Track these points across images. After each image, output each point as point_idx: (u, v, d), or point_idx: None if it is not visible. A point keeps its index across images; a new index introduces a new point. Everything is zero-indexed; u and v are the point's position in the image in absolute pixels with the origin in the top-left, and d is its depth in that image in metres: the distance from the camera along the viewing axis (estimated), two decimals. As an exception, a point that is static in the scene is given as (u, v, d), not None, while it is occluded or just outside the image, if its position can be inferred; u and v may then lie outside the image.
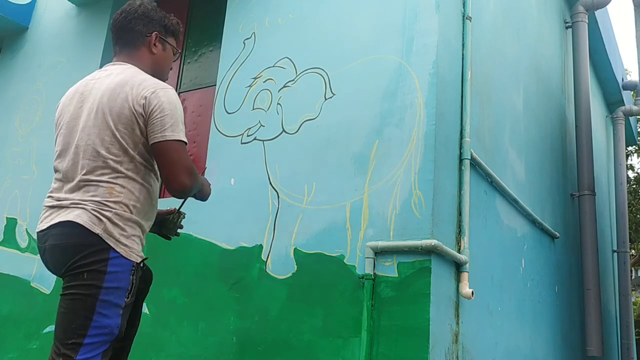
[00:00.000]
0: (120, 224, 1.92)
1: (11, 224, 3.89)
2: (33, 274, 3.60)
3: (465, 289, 2.60)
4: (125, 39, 2.13)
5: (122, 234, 1.92)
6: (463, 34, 3.01)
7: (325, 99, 2.91)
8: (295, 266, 2.72)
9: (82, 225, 1.87)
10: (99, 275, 1.85)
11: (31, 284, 3.57)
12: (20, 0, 4.54)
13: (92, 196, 1.93)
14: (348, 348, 2.47)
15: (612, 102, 7.49)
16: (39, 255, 2.01)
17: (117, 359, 2.28)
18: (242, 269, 2.86)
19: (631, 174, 13.67)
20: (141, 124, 1.94)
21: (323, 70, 2.98)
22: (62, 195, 1.98)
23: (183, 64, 3.91)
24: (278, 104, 3.06)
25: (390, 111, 2.70)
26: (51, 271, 2.00)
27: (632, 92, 8.27)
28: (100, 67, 3.98)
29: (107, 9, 4.17)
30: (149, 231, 2.19)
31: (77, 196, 1.94)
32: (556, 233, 4.36)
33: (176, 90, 3.84)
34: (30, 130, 4.14)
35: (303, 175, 2.83)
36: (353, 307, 2.51)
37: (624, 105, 7.40)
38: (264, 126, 3.07)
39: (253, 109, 3.15)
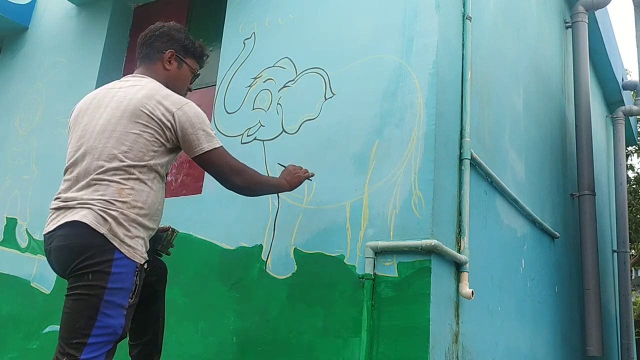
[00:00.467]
0: (125, 224, 1.95)
1: (11, 224, 3.90)
2: (33, 274, 3.60)
3: (465, 289, 2.60)
4: (145, 53, 2.27)
5: (126, 234, 1.94)
6: (463, 34, 3.01)
7: (325, 99, 2.91)
8: (295, 266, 2.72)
9: (87, 225, 1.90)
10: (103, 276, 1.88)
11: (31, 284, 3.57)
12: (20, 0, 4.54)
13: (101, 195, 1.96)
14: (348, 348, 2.47)
15: (612, 102, 7.49)
16: (39, 255, 2.03)
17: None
18: (242, 269, 2.86)
19: (631, 174, 13.67)
20: (165, 138, 2.06)
21: (323, 70, 2.98)
22: (70, 195, 2.00)
23: (183, 64, 3.90)
24: (278, 104, 3.06)
25: (390, 111, 2.71)
26: (57, 272, 2.03)
27: (632, 92, 8.26)
28: (100, 67, 4.00)
29: (107, 9, 4.17)
30: None
31: (85, 195, 1.97)
32: (556, 233, 4.36)
33: (176, 90, 3.85)
34: (30, 130, 4.14)
35: (303, 175, 2.83)
36: (353, 307, 2.51)
37: (624, 105, 7.40)
38: (264, 126, 3.07)
39: (253, 109, 3.15)
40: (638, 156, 13.98)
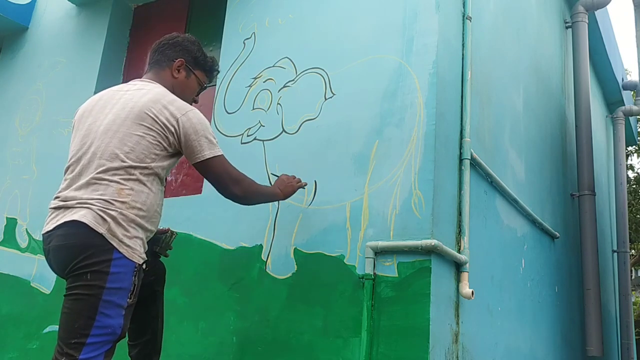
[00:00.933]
0: (124, 224, 1.95)
1: (11, 224, 3.90)
2: (33, 274, 3.60)
3: (465, 289, 2.60)
4: (155, 60, 2.30)
5: (125, 234, 1.95)
6: (463, 34, 3.01)
7: (325, 99, 2.91)
8: (295, 266, 2.72)
9: (86, 224, 1.91)
10: (101, 276, 1.88)
11: (31, 284, 3.57)
12: (20, 0, 4.54)
13: (101, 195, 1.97)
14: (348, 348, 2.47)
15: (612, 102, 7.49)
16: (39, 255, 2.03)
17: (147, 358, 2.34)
18: (242, 269, 2.86)
19: (631, 174, 13.67)
20: (167, 141, 2.08)
21: (323, 70, 2.98)
22: (69, 193, 2.01)
23: (183, 64, 3.90)
24: (278, 104, 3.06)
25: (390, 111, 2.70)
26: (55, 272, 2.03)
27: (632, 92, 8.26)
28: (100, 67, 4.00)
29: (107, 9, 4.17)
30: None
31: (85, 195, 1.98)
32: (556, 233, 4.36)
33: (176, 90, 3.85)
34: (30, 130, 4.14)
35: (303, 175, 2.83)
36: (353, 307, 2.51)
37: (624, 105, 7.40)
38: (264, 126, 3.07)
39: (253, 109, 3.15)
40: (638, 156, 13.98)
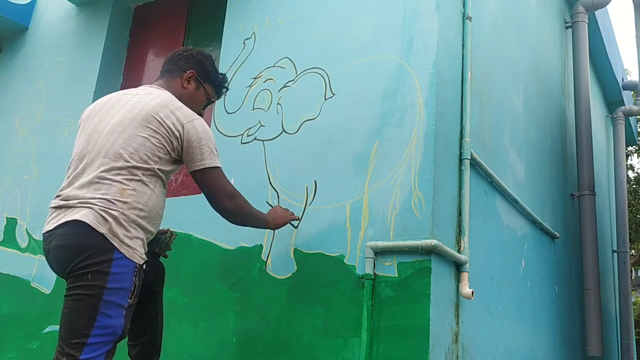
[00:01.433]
0: (125, 224, 1.96)
1: (11, 224, 3.90)
2: (33, 274, 3.60)
3: (465, 289, 2.60)
4: (168, 68, 2.35)
5: (126, 235, 1.96)
6: (463, 34, 3.01)
7: (325, 99, 2.91)
8: (295, 266, 2.72)
9: (87, 224, 1.91)
10: (102, 276, 1.89)
11: (31, 284, 3.57)
12: (20, 0, 4.54)
13: (103, 194, 1.97)
14: (348, 348, 2.47)
15: (612, 102, 7.49)
16: (39, 255, 2.03)
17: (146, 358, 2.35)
18: (242, 269, 2.86)
19: (631, 174, 13.67)
20: (171, 146, 2.10)
21: (323, 70, 2.98)
22: (71, 192, 2.01)
23: (183, 64, 3.90)
24: (278, 104, 3.06)
25: (390, 111, 2.70)
26: (55, 272, 2.03)
27: (632, 92, 8.26)
28: (100, 67, 4.00)
29: (107, 9, 4.17)
30: None
31: (87, 194, 1.98)
32: (556, 233, 4.36)
33: (176, 90, 3.85)
34: (30, 130, 4.14)
35: (303, 175, 2.83)
36: (353, 307, 2.51)
37: (624, 105, 7.40)
38: (264, 126, 3.07)
39: (253, 109, 3.15)
40: (638, 156, 13.99)
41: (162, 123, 2.08)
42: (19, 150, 4.12)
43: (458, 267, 2.66)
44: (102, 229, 1.91)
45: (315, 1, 3.16)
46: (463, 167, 2.80)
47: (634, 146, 11.56)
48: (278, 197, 2.87)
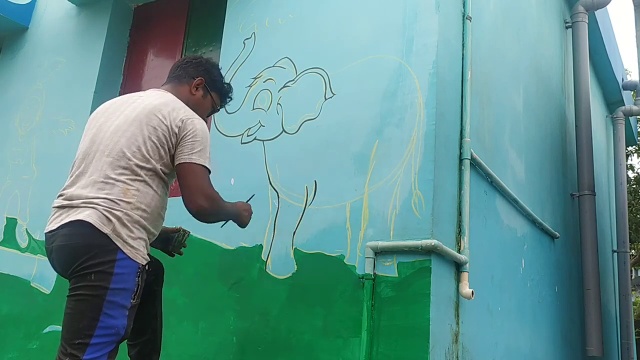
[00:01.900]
0: (128, 225, 1.97)
1: (11, 224, 3.90)
2: (33, 274, 3.59)
3: (465, 289, 2.60)
4: (176, 75, 2.36)
5: (129, 235, 1.96)
6: (463, 34, 3.01)
7: (325, 99, 2.91)
8: (295, 266, 2.72)
9: (91, 224, 1.91)
10: (106, 277, 1.89)
11: (31, 284, 3.57)
12: (20, 0, 4.54)
13: (107, 194, 1.97)
14: (348, 348, 2.47)
15: (612, 102, 7.49)
16: (39, 255, 2.03)
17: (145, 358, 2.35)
18: (242, 269, 2.86)
19: (631, 174, 13.67)
20: (171, 143, 2.09)
21: (323, 70, 2.98)
22: (75, 192, 2.01)
23: (183, 64, 3.91)
24: (278, 104, 3.06)
25: (390, 111, 2.70)
26: (58, 272, 2.03)
27: (632, 92, 8.26)
28: (100, 67, 4.00)
29: (107, 9, 4.17)
30: (154, 246, 2.33)
31: (90, 193, 1.98)
32: (556, 233, 4.36)
33: (176, 90, 3.85)
34: (30, 130, 4.14)
35: (303, 175, 2.83)
36: (353, 307, 2.51)
37: (624, 105, 7.40)
38: (264, 126, 3.07)
39: (253, 109, 3.15)
40: (638, 156, 13.98)
41: (163, 120, 2.08)
42: (19, 150, 4.12)
43: (458, 267, 2.65)
44: (106, 230, 1.91)
45: (315, 1, 3.16)
46: (463, 167, 2.80)
47: (634, 146, 11.57)
48: (278, 197, 2.87)
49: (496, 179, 3.20)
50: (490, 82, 3.37)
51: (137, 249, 1.98)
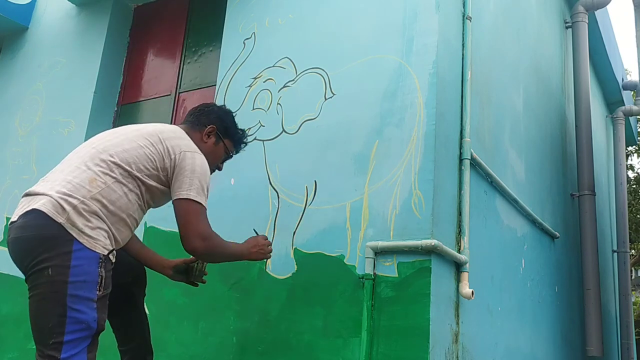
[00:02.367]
0: (85, 214, 1.88)
1: (11, 224, 3.89)
2: (33, 274, 3.59)
3: (465, 289, 2.60)
4: (190, 120, 2.39)
5: (86, 224, 1.88)
6: (463, 34, 3.01)
7: (325, 99, 2.91)
8: (295, 266, 2.72)
9: (45, 213, 1.84)
10: (63, 270, 1.81)
11: (31, 284, 3.57)
12: (20, 0, 4.54)
13: (72, 178, 1.93)
14: (348, 348, 2.47)
15: (612, 102, 7.49)
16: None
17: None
18: (242, 269, 2.86)
19: (631, 174, 13.67)
20: (163, 164, 2.08)
21: (323, 70, 2.98)
22: (44, 182, 1.97)
23: (183, 64, 3.91)
24: (278, 104, 3.06)
25: (390, 111, 2.70)
26: (17, 267, 1.93)
27: (632, 92, 8.26)
28: (100, 67, 4.01)
29: (107, 9, 4.17)
30: (175, 279, 2.39)
31: (55, 181, 1.93)
32: (556, 233, 4.36)
33: (176, 91, 3.85)
34: (30, 130, 4.14)
35: (303, 175, 2.83)
36: (353, 307, 2.51)
37: (624, 105, 7.40)
38: (264, 126, 3.07)
39: (253, 109, 3.15)
40: (638, 156, 13.99)
41: (162, 142, 2.09)
42: (19, 150, 4.12)
43: (458, 267, 2.65)
44: (60, 219, 1.84)
45: (315, 1, 3.16)
46: (463, 167, 2.80)
47: (634, 146, 11.57)
48: (278, 197, 2.87)
49: (496, 179, 3.20)
50: (490, 82, 3.37)
51: (96, 239, 1.88)
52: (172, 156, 2.08)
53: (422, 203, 2.48)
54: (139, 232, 3.07)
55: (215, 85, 3.42)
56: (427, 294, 2.37)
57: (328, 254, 2.64)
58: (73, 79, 4.09)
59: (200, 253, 2.11)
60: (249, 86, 3.21)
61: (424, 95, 2.63)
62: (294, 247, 2.75)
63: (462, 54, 2.98)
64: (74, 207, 1.87)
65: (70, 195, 1.88)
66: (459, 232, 2.71)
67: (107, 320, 1.98)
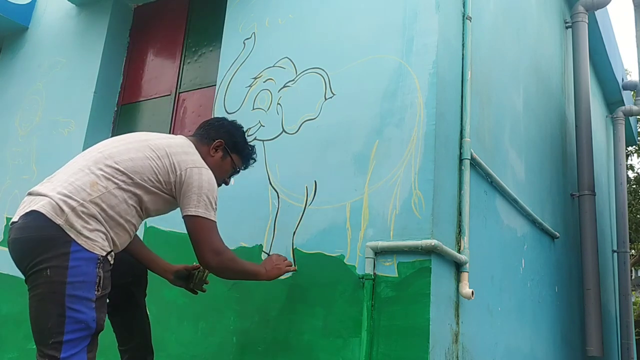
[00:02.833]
0: (84, 217, 1.90)
1: (11, 224, 3.89)
2: (33, 274, 3.59)
3: (465, 289, 2.60)
4: (199, 134, 2.40)
5: (84, 226, 1.89)
6: (463, 34, 3.01)
7: (325, 99, 2.91)
8: (295, 266, 2.71)
9: (44, 215, 1.86)
10: (61, 271, 1.83)
11: (31, 284, 3.57)
12: (20, 0, 4.54)
13: (75, 180, 1.94)
14: (348, 348, 2.47)
15: (612, 102, 7.49)
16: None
17: None
18: (242, 269, 2.85)
19: (631, 174, 13.68)
20: (168, 177, 2.09)
21: (323, 70, 2.98)
22: (48, 182, 1.98)
23: (183, 64, 3.91)
24: (278, 104, 3.06)
25: (390, 111, 2.70)
26: (17, 267, 1.95)
27: (632, 92, 8.26)
28: (100, 67, 4.01)
29: (107, 9, 4.17)
30: (175, 285, 2.41)
31: (57, 183, 1.94)
32: (556, 233, 4.36)
33: (176, 91, 3.85)
34: (30, 130, 4.14)
35: (303, 175, 2.83)
36: (353, 307, 2.51)
37: (624, 105, 7.40)
38: (264, 126, 3.07)
39: (253, 109, 3.15)
40: (638, 156, 13.99)
41: (169, 156, 2.10)
42: (19, 150, 4.12)
43: (458, 267, 2.65)
44: (59, 220, 1.86)
45: (315, 1, 3.16)
46: (463, 167, 2.80)
47: (634, 146, 11.57)
48: (278, 197, 2.87)
49: (496, 179, 3.20)
50: (490, 82, 3.37)
51: (95, 240, 1.90)
52: (178, 172, 2.10)
53: (422, 203, 2.48)
54: (139, 232, 3.07)
55: (215, 85, 3.42)
56: (427, 294, 2.37)
57: (328, 254, 2.64)
58: (73, 79, 4.09)
59: (214, 267, 2.16)
60: (249, 86, 3.21)
61: (424, 95, 2.63)
62: (294, 247, 2.75)
63: (462, 54, 2.98)
64: (73, 209, 1.89)
65: (70, 197, 1.90)
66: (459, 232, 2.71)
67: (107, 320, 1.99)
